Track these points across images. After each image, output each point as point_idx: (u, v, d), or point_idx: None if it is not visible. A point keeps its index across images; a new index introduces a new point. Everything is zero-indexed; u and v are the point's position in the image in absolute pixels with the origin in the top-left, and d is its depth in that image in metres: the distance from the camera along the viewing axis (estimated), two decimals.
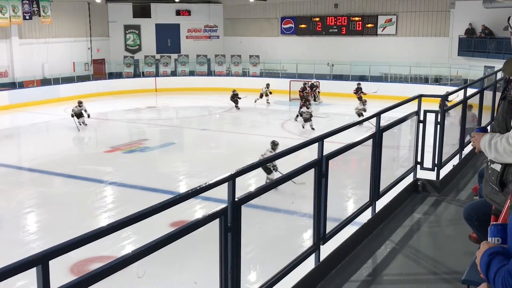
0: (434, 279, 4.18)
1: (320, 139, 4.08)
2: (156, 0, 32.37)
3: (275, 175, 10.07)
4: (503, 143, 2.85)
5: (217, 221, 3.05)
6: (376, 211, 5.24)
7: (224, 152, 16.81)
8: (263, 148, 12.08)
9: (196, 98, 27.46)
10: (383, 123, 5.29)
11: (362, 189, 5.30)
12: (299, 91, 24.89)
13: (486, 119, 8.21)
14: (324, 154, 4.12)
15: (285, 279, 3.76)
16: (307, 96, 22.09)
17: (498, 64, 19.21)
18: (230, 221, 3.10)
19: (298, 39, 31.79)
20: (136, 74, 31.13)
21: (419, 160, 6.26)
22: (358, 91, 23.33)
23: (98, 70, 30.56)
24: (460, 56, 26.75)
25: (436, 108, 6.52)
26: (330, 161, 4.19)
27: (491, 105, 8.24)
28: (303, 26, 31.49)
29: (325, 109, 22.99)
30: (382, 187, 5.37)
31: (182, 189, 12.12)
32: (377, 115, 5.13)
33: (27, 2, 25.93)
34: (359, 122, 5.19)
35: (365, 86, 23.76)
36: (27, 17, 26.15)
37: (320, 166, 4.11)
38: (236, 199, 3.13)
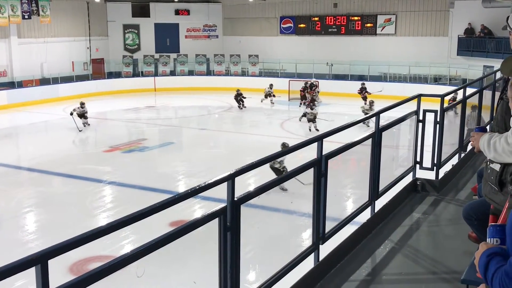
0: (433, 279, 4.18)
1: (319, 139, 4.08)
2: (155, 0, 32.37)
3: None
4: (502, 143, 2.85)
5: (216, 220, 3.05)
6: (375, 211, 5.24)
7: (223, 151, 16.80)
8: (263, 148, 12.06)
9: (195, 97, 27.45)
10: (382, 122, 5.29)
11: (361, 189, 5.30)
12: (300, 90, 24.91)
13: (485, 118, 8.21)
14: (323, 153, 4.12)
15: (284, 279, 3.76)
16: (313, 96, 21.95)
17: (497, 63, 19.21)
18: (229, 220, 3.10)
19: (297, 38, 31.78)
20: (135, 74, 31.11)
21: (418, 159, 6.26)
22: (363, 90, 23.31)
23: (97, 70, 30.54)
24: (459, 55, 26.75)
25: (435, 107, 6.52)
26: (329, 161, 4.19)
27: (490, 104, 8.25)
28: (302, 25, 31.48)
29: (325, 109, 22.95)
30: (382, 186, 5.37)
31: (181, 188, 12.12)
32: (376, 114, 5.13)
33: (26, 1, 25.90)
34: (358, 122, 5.18)
35: (369, 85, 23.71)
36: (26, 17, 26.12)
37: (320, 166, 4.11)
38: (235, 199, 3.13)
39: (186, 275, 7.42)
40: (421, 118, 6.07)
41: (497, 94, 6.39)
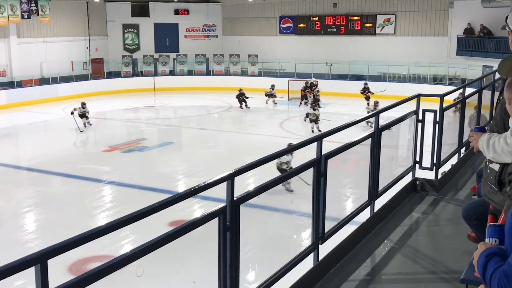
0: (432, 278, 4.18)
1: (318, 139, 4.08)
2: (154, 0, 32.36)
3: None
4: (501, 143, 2.85)
5: (215, 220, 3.05)
6: (375, 211, 5.24)
7: (223, 151, 16.80)
8: (262, 148, 12.06)
9: (195, 97, 27.45)
10: (382, 122, 5.30)
11: (360, 189, 5.30)
12: (301, 90, 24.91)
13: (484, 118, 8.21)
14: (323, 153, 4.12)
15: (283, 278, 3.76)
16: (317, 96, 21.86)
17: (496, 63, 19.18)
18: (228, 220, 3.10)
19: (296, 38, 31.79)
20: (135, 74, 31.10)
21: (417, 159, 6.26)
22: (365, 90, 23.30)
23: (97, 70, 30.53)
24: (458, 55, 26.76)
25: (434, 107, 6.51)
26: (329, 161, 4.19)
27: (489, 104, 8.25)
28: (301, 25, 31.48)
29: (324, 109, 22.92)
30: (381, 186, 5.37)
31: (181, 188, 12.12)
32: (376, 114, 5.13)
33: (26, 1, 25.89)
34: (358, 122, 5.18)
35: (372, 85, 23.69)
36: (26, 16, 26.11)
37: (319, 166, 4.11)
38: (235, 199, 3.13)
39: (185, 275, 7.43)
40: (420, 118, 6.07)
41: (497, 94, 6.41)
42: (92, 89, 28.03)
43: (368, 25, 29.75)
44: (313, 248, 4.16)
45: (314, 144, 4.08)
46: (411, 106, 6.04)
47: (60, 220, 10.10)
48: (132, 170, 14.03)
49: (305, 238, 4.52)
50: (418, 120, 6.08)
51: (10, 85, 25.96)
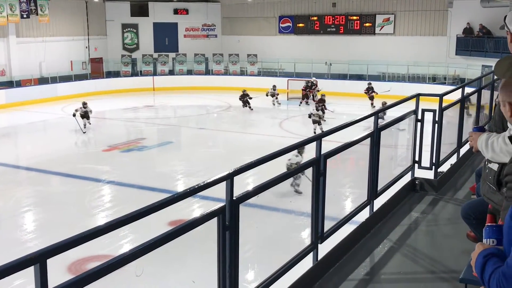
0: (432, 278, 4.18)
1: (318, 138, 4.08)
2: None
3: (301, 177, 9.14)
4: (500, 143, 2.86)
5: (215, 220, 3.05)
6: (374, 210, 5.25)
7: (222, 151, 16.79)
8: (262, 147, 12.04)
9: (194, 97, 27.45)
10: (381, 122, 5.30)
11: (360, 188, 5.30)
12: (302, 89, 24.90)
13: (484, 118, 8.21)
14: (322, 153, 4.13)
15: (283, 278, 3.76)
16: (323, 97, 21.77)
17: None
18: (228, 220, 3.10)
19: (296, 38, 31.79)
20: (134, 73, 31.09)
21: (417, 159, 6.26)
22: (369, 90, 23.28)
23: (96, 69, 30.51)
24: (458, 55, 26.77)
25: (433, 107, 6.52)
26: (328, 160, 4.19)
27: (488, 104, 8.25)
28: (301, 25, 31.48)
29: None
30: (380, 186, 5.37)
31: (180, 188, 12.13)
32: (375, 114, 5.14)
33: (25, 0, 25.88)
34: (357, 122, 5.18)
35: (376, 85, 23.65)
36: (25, 16, 26.09)
37: (318, 165, 4.11)
38: (234, 198, 3.13)
39: (185, 274, 7.43)
40: (419, 117, 6.08)
41: (496, 94, 6.41)
42: (91, 88, 28.01)
43: (367, 24, 29.76)
44: (312, 247, 4.16)
45: (314, 144, 4.08)
46: (410, 105, 6.05)
47: (59, 219, 10.10)
48: (131, 170, 14.03)
49: (304, 238, 4.52)
50: (417, 120, 6.08)
51: (9, 84, 25.95)
